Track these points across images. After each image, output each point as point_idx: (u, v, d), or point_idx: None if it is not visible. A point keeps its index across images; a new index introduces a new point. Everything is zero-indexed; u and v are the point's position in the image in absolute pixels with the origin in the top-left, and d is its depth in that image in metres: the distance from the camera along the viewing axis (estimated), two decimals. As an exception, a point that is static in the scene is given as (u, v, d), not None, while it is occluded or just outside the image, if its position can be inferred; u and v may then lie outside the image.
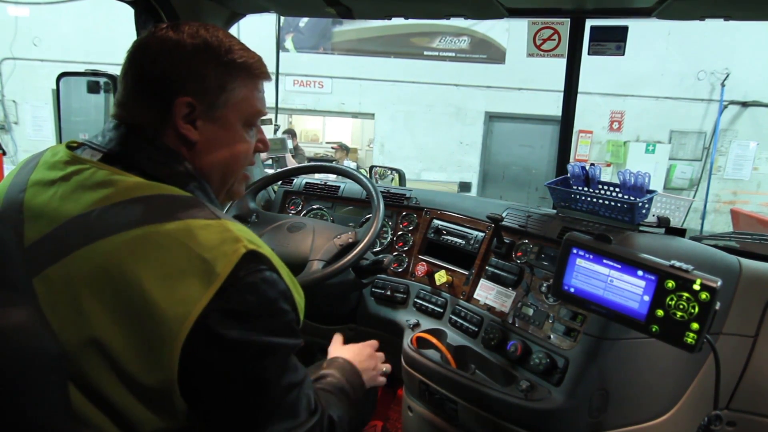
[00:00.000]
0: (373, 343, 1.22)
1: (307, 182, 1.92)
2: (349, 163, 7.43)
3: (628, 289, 0.93)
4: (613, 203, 1.25)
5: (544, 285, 1.26)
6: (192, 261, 0.64)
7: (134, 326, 0.63)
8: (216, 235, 0.67)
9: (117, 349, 0.63)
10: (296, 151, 6.73)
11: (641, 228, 1.23)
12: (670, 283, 0.87)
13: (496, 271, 1.38)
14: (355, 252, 1.33)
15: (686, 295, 0.85)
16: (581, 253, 1.00)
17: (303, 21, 8.23)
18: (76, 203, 0.69)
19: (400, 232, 1.72)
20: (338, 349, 1.16)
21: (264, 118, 0.88)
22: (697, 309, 0.84)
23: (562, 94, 1.74)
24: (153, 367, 0.63)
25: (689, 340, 0.84)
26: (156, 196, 0.70)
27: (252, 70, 0.81)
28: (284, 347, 0.72)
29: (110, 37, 7.38)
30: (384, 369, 1.19)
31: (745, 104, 7.92)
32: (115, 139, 0.76)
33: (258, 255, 0.69)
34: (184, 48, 0.75)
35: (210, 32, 0.78)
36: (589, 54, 1.68)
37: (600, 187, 1.32)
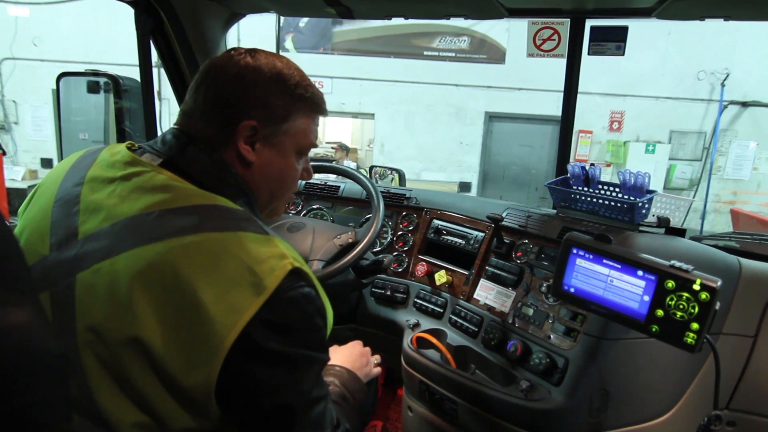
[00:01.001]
0: (358, 342, 1.23)
1: (307, 182, 1.92)
2: (349, 163, 7.44)
3: (628, 289, 0.93)
4: (613, 203, 1.25)
5: (544, 285, 1.26)
6: (243, 272, 0.67)
7: (181, 328, 0.65)
8: (265, 249, 0.70)
9: (160, 349, 0.64)
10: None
11: (641, 228, 1.23)
12: (670, 283, 0.87)
13: (496, 271, 1.38)
14: (355, 252, 1.33)
15: (686, 295, 0.85)
16: (581, 253, 1.00)
17: (303, 21, 8.23)
18: (134, 203, 0.72)
19: (400, 232, 1.72)
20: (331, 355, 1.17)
21: None
22: (697, 309, 0.84)
23: (562, 94, 1.74)
24: (194, 370, 0.65)
25: (689, 340, 0.84)
26: (212, 206, 0.73)
27: (315, 105, 0.87)
28: (318, 361, 0.75)
29: (110, 37, 7.41)
30: (375, 360, 1.21)
31: (745, 104, 7.92)
32: (175, 147, 0.79)
33: (301, 272, 0.72)
34: (259, 76, 0.80)
35: (284, 63, 0.84)
36: (589, 54, 1.68)
37: (600, 187, 1.32)
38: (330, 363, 1.10)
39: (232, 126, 0.79)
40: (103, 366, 0.67)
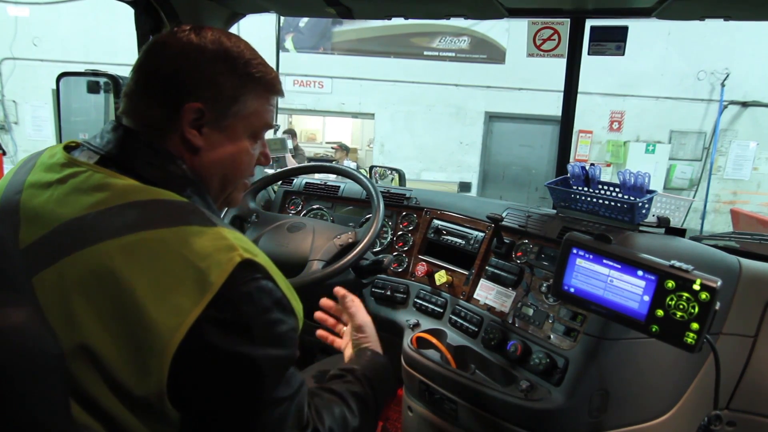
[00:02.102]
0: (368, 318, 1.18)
1: (307, 182, 1.92)
2: (349, 163, 7.43)
3: (628, 289, 0.93)
4: (613, 203, 1.25)
5: (544, 285, 1.26)
6: (185, 270, 0.63)
7: (125, 335, 0.62)
8: (211, 242, 0.66)
9: (107, 357, 0.61)
10: (296, 151, 6.73)
11: (641, 228, 1.23)
12: (670, 283, 0.87)
13: (496, 271, 1.38)
14: (355, 252, 1.33)
15: (686, 295, 0.85)
16: (581, 253, 1.00)
17: (303, 21, 8.23)
18: (71, 207, 0.68)
19: (400, 232, 1.72)
20: (366, 321, 1.12)
21: None
22: (697, 309, 0.84)
23: (562, 94, 1.74)
24: (143, 377, 0.61)
25: (689, 340, 0.84)
26: (151, 201, 0.69)
27: (267, 85, 0.81)
28: (277, 359, 0.69)
29: (110, 37, 7.40)
30: None
31: (745, 104, 7.92)
32: (113, 141, 0.75)
33: (253, 264, 0.67)
34: (203, 53, 0.75)
35: (232, 41, 0.78)
36: (589, 54, 1.68)
37: (600, 187, 1.32)
38: (364, 346, 1.06)
39: (175, 108, 0.74)
40: None
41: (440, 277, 1.51)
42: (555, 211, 1.43)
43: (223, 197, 0.85)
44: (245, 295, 0.65)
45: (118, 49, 6.65)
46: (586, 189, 1.34)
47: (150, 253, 0.64)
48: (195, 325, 0.61)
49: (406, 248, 1.69)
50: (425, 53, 8.24)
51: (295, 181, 1.94)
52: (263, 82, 0.80)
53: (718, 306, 0.83)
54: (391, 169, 3.21)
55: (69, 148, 0.79)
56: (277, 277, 0.71)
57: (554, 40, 1.80)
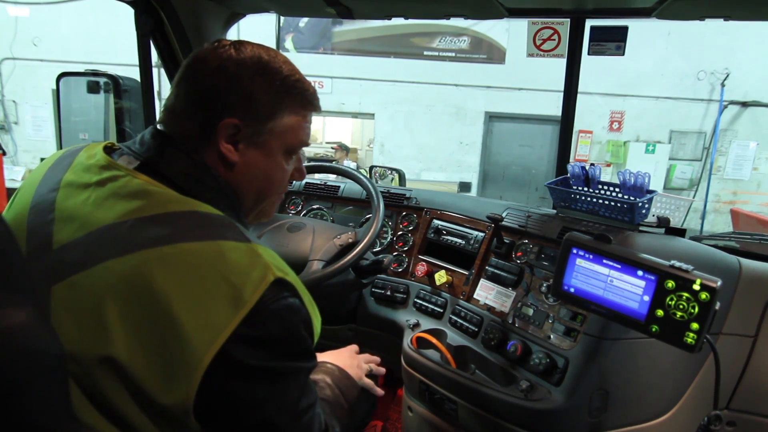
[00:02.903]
0: (353, 347, 1.22)
1: (307, 182, 1.92)
2: (349, 163, 7.44)
3: (628, 289, 0.93)
4: (613, 203, 1.25)
5: (544, 285, 1.26)
6: (220, 285, 0.63)
7: (157, 347, 0.61)
8: (246, 259, 0.67)
9: (134, 367, 0.61)
10: (296, 151, 6.72)
11: (641, 228, 1.23)
12: (670, 283, 0.87)
13: (496, 271, 1.38)
14: (355, 252, 1.33)
15: (686, 295, 0.85)
16: (581, 253, 1.00)
17: (303, 21, 8.23)
18: (109, 211, 0.68)
19: (400, 232, 1.72)
20: (318, 355, 1.16)
21: None
22: (697, 309, 0.84)
23: (562, 94, 1.74)
24: (170, 389, 0.62)
25: (689, 340, 0.84)
26: (188, 212, 0.69)
27: (304, 102, 0.81)
28: (302, 370, 0.72)
29: (110, 37, 7.41)
30: (368, 368, 1.19)
31: (745, 104, 7.92)
32: (153, 148, 0.75)
33: (284, 283, 0.68)
34: (241, 69, 0.75)
35: (270, 56, 0.78)
36: (589, 54, 1.68)
37: (600, 187, 1.32)
38: (321, 360, 1.09)
39: (212, 124, 0.75)
40: (77, 384, 0.63)
41: (440, 277, 1.51)
42: (555, 211, 1.43)
43: (256, 211, 0.86)
44: (275, 312, 0.66)
45: (118, 49, 6.65)
46: (586, 189, 1.34)
47: (186, 266, 0.64)
48: (227, 342, 0.62)
49: (406, 248, 1.69)
50: (425, 53, 8.23)
51: (295, 181, 1.94)
52: (300, 99, 0.80)
53: (718, 306, 0.83)
54: (391, 169, 3.20)
55: (108, 149, 0.79)
56: (304, 295, 0.73)
57: (554, 40, 1.80)
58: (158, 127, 0.79)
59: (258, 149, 0.79)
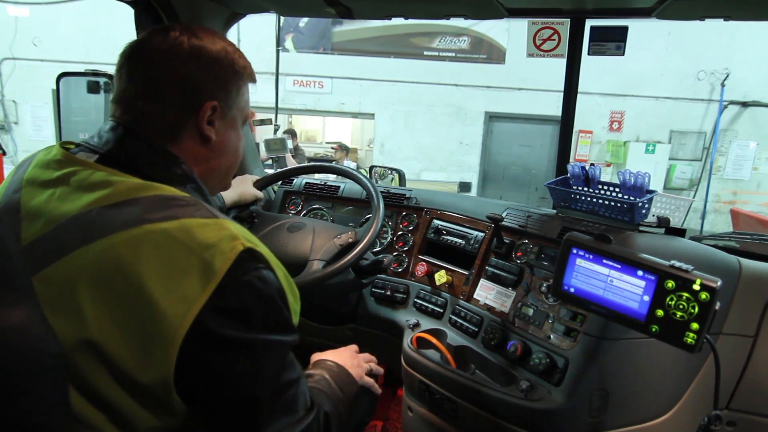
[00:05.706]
0: (353, 346, 1.22)
1: (307, 182, 1.92)
2: (349, 163, 7.43)
3: (628, 289, 0.93)
4: (613, 203, 1.25)
5: (544, 285, 1.26)
6: (190, 259, 0.65)
7: (132, 325, 0.63)
8: (214, 233, 0.68)
9: (113, 349, 0.63)
10: (296, 151, 6.73)
11: (641, 228, 1.23)
12: (670, 283, 0.87)
13: (496, 271, 1.38)
14: (355, 252, 1.33)
15: (686, 295, 0.85)
16: (581, 253, 1.00)
17: (303, 21, 8.23)
18: (74, 203, 0.70)
19: (400, 232, 1.72)
20: (318, 354, 1.16)
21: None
22: (697, 309, 0.84)
23: (562, 94, 1.74)
24: (150, 366, 0.63)
25: (689, 340, 0.84)
26: (154, 196, 0.70)
27: (252, 76, 0.88)
28: (281, 344, 0.72)
29: (110, 37, 7.38)
30: (368, 367, 1.19)
31: (745, 104, 7.93)
32: (113, 141, 0.76)
33: (255, 253, 0.70)
34: (209, 54, 0.80)
35: (221, 38, 0.84)
36: (589, 54, 1.68)
37: (600, 187, 1.32)
38: (319, 359, 1.10)
39: (193, 108, 0.78)
40: None
41: (440, 277, 1.51)
42: (555, 211, 1.43)
43: (223, 184, 0.91)
44: (247, 283, 0.67)
45: (118, 49, 6.64)
46: (586, 189, 1.34)
47: (155, 245, 0.65)
48: (201, 313, 0.63)
49: (406, 248, 1.69)
50: (425, 53, 8.24)
51: (295, 181, 1.94)
52: (250, 73, 0.87)
53: (718, 306, 0.83)
54: (391, 169, 3.21)
55: (66, 148, 0.79)
56: (278, 268, 0.74)
57: (554, 40, 1.80)
58: (117, 118, 0.79)
59: (228, 125, 0.85)
